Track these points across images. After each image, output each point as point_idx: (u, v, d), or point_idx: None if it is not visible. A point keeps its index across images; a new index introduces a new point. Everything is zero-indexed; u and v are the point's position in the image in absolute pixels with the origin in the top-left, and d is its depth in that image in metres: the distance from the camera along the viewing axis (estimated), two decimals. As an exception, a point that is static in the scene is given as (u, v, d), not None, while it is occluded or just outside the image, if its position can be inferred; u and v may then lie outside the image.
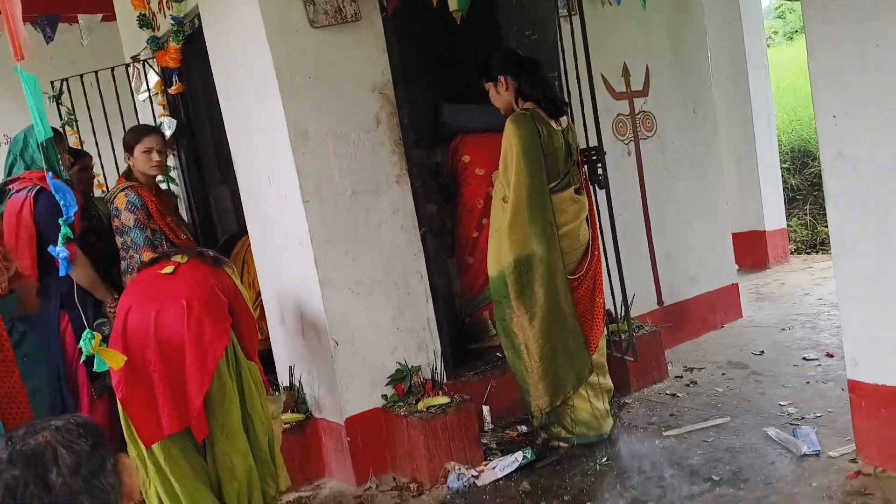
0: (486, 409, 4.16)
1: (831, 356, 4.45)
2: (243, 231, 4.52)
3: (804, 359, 4.52)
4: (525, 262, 3.57)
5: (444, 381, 3.98)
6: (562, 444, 3.78)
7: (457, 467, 3.61)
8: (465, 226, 4.48)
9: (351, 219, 3.76)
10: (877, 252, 2.86)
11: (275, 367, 4.24)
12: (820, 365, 4.38)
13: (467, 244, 4.48)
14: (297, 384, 4.02)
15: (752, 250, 7.13)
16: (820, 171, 9.23)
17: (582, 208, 3.77)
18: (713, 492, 3.09)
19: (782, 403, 3.89)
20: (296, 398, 4.00)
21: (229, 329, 3.06)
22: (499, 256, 3.61)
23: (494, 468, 3.64)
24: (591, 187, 3.92)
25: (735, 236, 5.86)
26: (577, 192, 3.76)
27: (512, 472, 3.57)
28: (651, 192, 5.07)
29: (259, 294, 4.38)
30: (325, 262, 3.68)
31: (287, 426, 3.83)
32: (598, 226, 3.90)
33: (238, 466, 3.07)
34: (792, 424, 3.58)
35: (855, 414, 3.06)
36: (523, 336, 3.64)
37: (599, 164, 3.92)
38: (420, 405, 3.72)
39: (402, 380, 3.87)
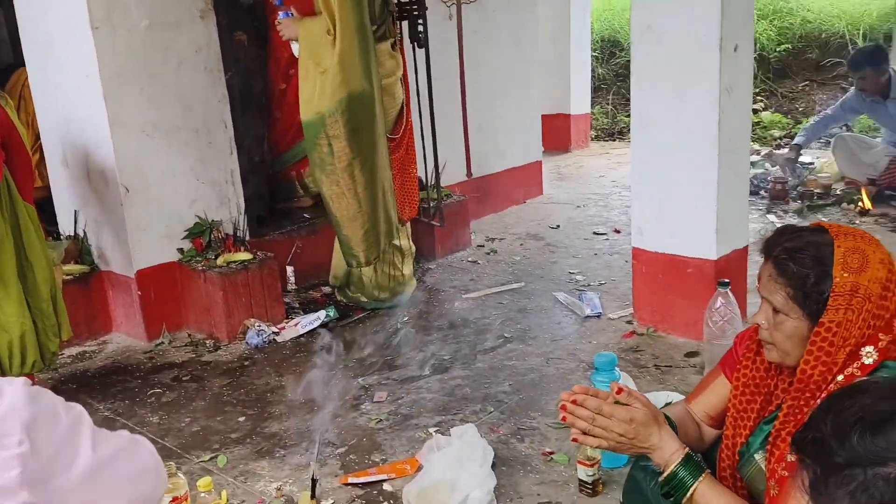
0: (290, 269, 4.08)
1: (618, 232, 4.77)
2: (20, 62, 3.97)
3: (594, 233, 4.82)
4: (357, 99, 3.34)
5: (247, 238, 3.82)
6: (363, 306, 3.79)
7: (256, 323, 3.54)
8: (271, 76, 4.20)
9: (147, 53, 3.40)
10: (673, 126, 3.03)
11: (55, 216, 3.86)
12: (608, 239, 4.69)
13: (273, 96, 4.22)
14: (81, 233, 3.70)
15: (556, 132, 7.39)
16: (627, 61, 9.61)
17: (398, 65, 3.65)
18: (505, 346, 3.26)
19: (572, 272, 4.14)
20: (80, 248, 3.69)
21: (2, 164, 2.71)
22: (322, 94, 3.31)
23: (296, 325, 3.60)
24: (404, 47, 3.80)
25: (542, 117, 6.01)
26: (393, 47, 3.63)
27: (314, 329, 3.55)
28: (469, 60, 5.03)
29: (39, 137, 3.92)
30: (116, 99, 3.33)
31: (69, 277, 3.54)
32: (409, 88, 3.82)
33: (11, 317, 2.79)
34: (579, 290, 3.83)
35: (636, 279, 3.31)
36: (352, 182, 3.41)
37: (421, 21, 3.80)
38: (219, 260, 3.56)
39: (202, 234, 3.67)
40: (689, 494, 1.52)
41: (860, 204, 4.78)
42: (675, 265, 3.15)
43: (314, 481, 2.20)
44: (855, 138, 5.47)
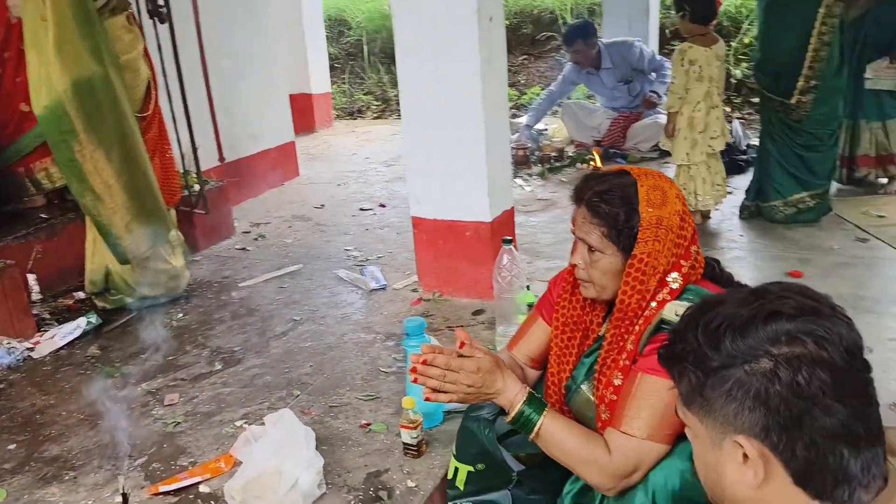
0: (31, 277, 3.62)
1: (383, 206, 4.85)
2: None
3: (360, 209, 4.85)
4: (86, 85, 3.08)
5: (-23, 246, 3.33)
6: (129, 308, 3.48)
7: (5, 341, 3.11)
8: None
9: None
10: (439, 96, 3.12)
11: None
12: (375, 214, 4.74)
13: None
14: None
15: (299, 113, 7.26)
16: (356, 40, 9.66)
17: (137, 38, 3.40)
18: (296, 329, 3.18)
19: (347, 248, 4.14)
20: None
21: None
22: (49, 86, 3.03)
23: (52, 337, 3.22)
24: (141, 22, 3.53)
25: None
26: (130, 20, 3.35)
27: (76, 340, 3.20)
28: (209, 39, 4.75)
29: None
30: None
31: None
32: (153, 64, 3.56)
33: None
34: (358, 266, 3.84)
35: (418, 248, 3.39)
36: (102, 175, 3.17)
37: (158, -6, 3.53)
38: (-52, 274, 3.07)
39: (-81, 247, 3.13)
40: (535, 429, 1.60)
41: (592, 163, 5.30)
42: (455, 230, 3.27)
43: (125, 496, 2.00)
44: (579, 105, 6.04)
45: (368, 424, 2.42)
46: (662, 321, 1.60)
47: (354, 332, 3.11)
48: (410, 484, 2.12)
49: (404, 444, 2.24)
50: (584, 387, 1.78)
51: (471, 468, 2.00)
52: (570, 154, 5.67)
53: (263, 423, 2.32)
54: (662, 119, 5.56)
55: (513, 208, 3.43)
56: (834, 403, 0.93)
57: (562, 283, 1.87)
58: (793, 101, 4.08)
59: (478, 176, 3.16)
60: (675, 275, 1.64)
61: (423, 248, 3.38)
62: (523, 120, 6.13)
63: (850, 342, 0.97)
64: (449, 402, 1.63)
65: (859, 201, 4.50)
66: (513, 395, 1.62)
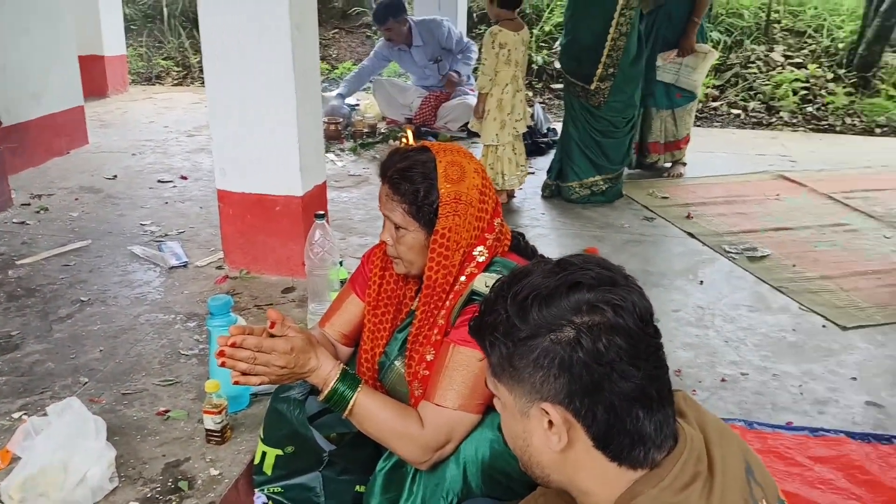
0: None
1: (185, 178, 4.57)
2: None
3: (159, 181, 4.54)
4: None
5: None
6: None
7: None
8: None
9: None
10: (248, 63, 2.97)
11: None
12: (175, 186, 4.46)
13: None
14: None
15: (90, 76, 6.67)
16: (155, 1, 9.06)
17: None
18: (84, 311, 2.92)
19: (144, 223, 3.86)
20: None
21: None
22: None
23: None
24: None
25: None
26: None
27: None
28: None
29: None
30: None
31: None
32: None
33: None
34: (156, 241, 3.60)
35: (224, 223, 3.22)
36: None
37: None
38: None
39: None
40: (349, 406, 1.56)
41: (404, 140, 5.31)
42: (264, 204, 3.14)
43: None
44: (391, 82, 6.03)
45: (167, 411, 2.27)
46: (473, 293, 1.61)
47: (151, 313, 2.90)
48: (213, 472, 2.01)
49: (207, 430, 2.12)
50: (397, 362, 1.76)
51: (280, 451, 1.93)
52: (383, 131, 5.65)
53: (46, 414, 2.10)
54: (471, 99, 5.70)
55: (325, 183, 3.35)
56: (630, 368, 0.98)
57: (374, 259, 1.84)
58: (592, 86, 4.30)
59: (289, 148, 3.05)
60: (480, 248, 1.66)
61: (229, 222, 3.21)
62: (334, 93, 6.03)
63: (643, 310, 1.02)
64: (260, 384, 1.54)
65: (646, 184, 4.86)
66: (326, 373, 1.57)
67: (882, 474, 2.11)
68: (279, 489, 1.98)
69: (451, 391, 1.55)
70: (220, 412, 2.10)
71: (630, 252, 3.82)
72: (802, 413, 2.44)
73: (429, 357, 1.64)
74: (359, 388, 1.58)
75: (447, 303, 1.64)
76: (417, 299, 1.81)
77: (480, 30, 7.99)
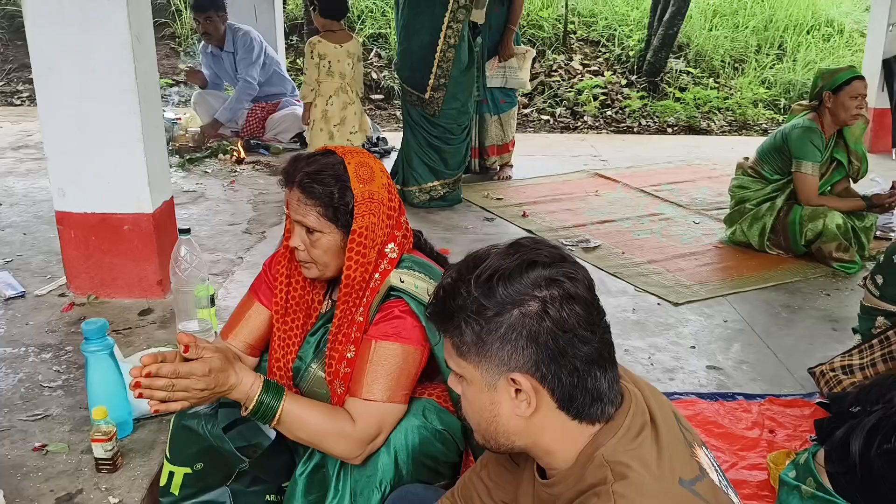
0: None
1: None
2: None
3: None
4: None
5: None
6: None
7: None
8: None
9: None
10: (84, 76, 2.82)
11: None
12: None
13: None
14: None
15: None
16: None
17: None
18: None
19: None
20: None
21: None
22: None
23: None
24: None
25: None
26: None
27: None
28: None
29: None
30: None
31: None
32: None
33: None
34: (-17, 272, 3.29)
35: (64, 246, 3.02)
36: None
37: None
38: None
39: None
40: (276, 416, 1.56)
41: (236, 154, 5.20)
42: (110, 224, 2.98)
43: None
44: (213, 94, 5.84)
45: (44, 446, 2.11)
46: (392, 289, 1.67)
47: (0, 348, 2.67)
48: (113, 500, 1.91)
49: (97, 459, 2.00)
50: (314, 366, 1.78)
51: (188, 469, 1.88)
52: (211, 145, 5.48)
53: None
54: (299, 110, 5.68)
55: (172, 198, 3.24)
56: (588, 333, 1.10)
57: (277, 266, 1.84)
58: (426, 95, 4.47)
59: (135, 163, 2.91)
60: (391, 245, 1.72)
61: (71, 246, 3.02)
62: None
63: (589, 280, 1.14)
64: (180, 409, 1.50)
65: (480, 187, 5.11)
66: (248, 388, 1.55)
67: (733, 426, 2.40)
68: (187, 508, 1.93)
69: (377, 385, 1.60)
70: (110, 439, 2.00)
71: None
72: (655, 381, 2.72)
73: (349, 354, 1.68)
74: (284, 397, 1.58)
75: (364, 300, 1.69)
76: (327, 302, 1.85)
77: (292, 41, 7.94)
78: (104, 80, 2.83)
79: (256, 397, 1.56)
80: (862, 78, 3.69)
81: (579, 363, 1.09)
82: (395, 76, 4.63)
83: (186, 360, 1.51)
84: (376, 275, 1.70)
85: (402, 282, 1.68)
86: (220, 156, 5.27)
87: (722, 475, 1.19)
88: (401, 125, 5.06)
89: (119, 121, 2.88)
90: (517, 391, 1.11)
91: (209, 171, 5.05)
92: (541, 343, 1.08)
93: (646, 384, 1.25)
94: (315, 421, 1.59)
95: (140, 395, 1.47)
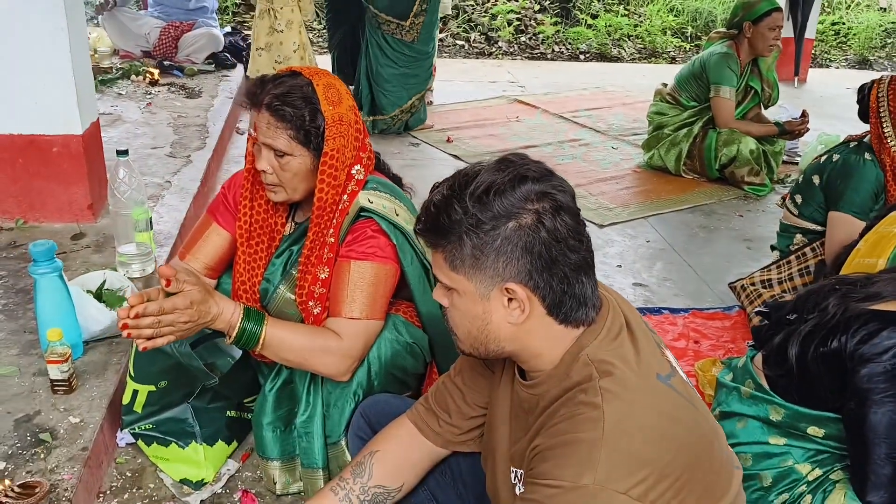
0: None
1: None
2: None
3: None
4: None
5: None
6: None
7: None
8: None
9: None
10: (6, -9, 2.67)
11: None
12: None
13: None
14: None
15: None
16: None
17: None
18: None
19: None
20: None
21: None
22: None
23: None
24: None
25: None
26: None
27: None
28: None
29: None
30: None
31: None
32: None
33: None
34: None
35: (-4, 169, 2.90)
36: None
37: None
38: None
39: None
40: (260, 341, 1.59)
41: (149, 76, 4.99)
42: (38, 146, 2.86)
43: None
44: (122, 11, 5.54)
45: (-6, 370, 2.09)
46: (362, 209, 1.72)
47: (-74, 275, 2.57)
48: (74, 420, 1.92)
49: (53, 380, 2.00)
50: (282, 287, 1.81)
51: (152, 387, 1.92)
52: (121, 66, 5.23)
53: None
54: (216, 30, 5.50)
55: (99, 119, 3.13)
56: (576, 242, 1.18)
57: (237, 189, 1.84)
58: (407, 22, 4.56)
59: (64, 82, 2.79)
60: (358, 167, 1.75)
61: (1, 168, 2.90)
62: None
63: (572, 192, 1.22)
64: (166, 344, 1.51)
65: (404, 113, 5.13)
66: (229, 317, 1.57)
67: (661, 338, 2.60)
68: (150, 425, 1.97)
69: (357, 303, 1.65)
70: (66, 360, 1.99)
71: (409, 175, 3.91)
72: (587, 297, 2.89)
73: (322, 275, 1.72)
74: (265, 322, 1.60)
75: (334, 221, 1.73)
76: (290, 224, 1.87)
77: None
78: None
79: (239, 325, 1.57)
80: (780, 9, 3.88)
81: (569, 271, 1.17)
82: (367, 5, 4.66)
83: (168, 294, 1.50)
84: (345, 196, 1.73)
85: (371, 202, 1.72)
86: (133, 77, 5.05)
87: (683, 374, 1.32)
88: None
89: (46, 40, 2.74)
90: (510, 300, 1.18)
91: (123, 92, 4.84)
92: (535, 253, 1.15)
93: (614, 291, 1.36)
94: (300, 341, 1.62)
95: (129, 336, 1.47)
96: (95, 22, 5.74)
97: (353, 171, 1.74)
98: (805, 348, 1.63)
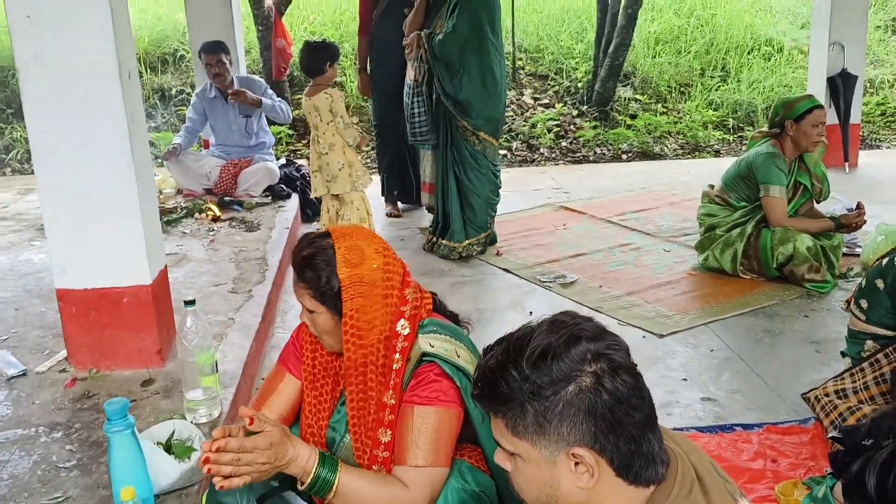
0: None
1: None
2: None
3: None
4: None
5: None
6: None
7: None
8: None
9: None
10: (81, 156, 2.86)
11: None
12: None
13: None
14: None
15: None
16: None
17: None
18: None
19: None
20: None
21: None
22: None
23: None
24: None
25: None
26: None
27: None
28: None
29: None
30: None
31: None
32: None
33: None
34: (-25, 354, 3.27)
35: (66, 323, 3.03)
36: None
37: None
38: None
39: None
40: (333, 489, 1.62)
41: (210, 213, 5.22)
42: (110, 298, 3.01)
43: None
44: (187, 154, 5.84)
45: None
46: (425, 354, 1.75)
47: (8, 430, 2.66)
48: (151, 580, 1.95)
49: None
50: (348, 437, 1.84)
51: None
52: (184, 205, 5.49)
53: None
54: (271, 164, 5.76)
55: (167, 266, 3.28)
56: (638, 400, 1.19)
57: (303, 335, 1.91)
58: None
59: (133, 236, 2.95)
60: (402, 322, 1.77)
61: (72, 322, 3.03)
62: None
63: (626, 348, 1.24)
64: (243, 485, 1.55)
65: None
66: (305, 461, 1.60)
67: (736, 459, 2.50)
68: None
69: (422, 450, 1.67)
70: None
71: (460, 293, 4.11)
72: (654, 415, 2.83)
73: (385, 439, 1.73)
74: (339, 469, 1.63)
75: (391, 383, 1.75)
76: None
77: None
78: (101, 160, 2.86)
79: (314, 470, 1.60)
80: (822, 106, 3.91)
81: (634, 430, 1.17)
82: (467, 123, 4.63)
83: (249, 433, 1.56)
84: (396, 355, 1.76)
85: (433, 346, 1.76)
86: (197, 215, 5.29)
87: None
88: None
89: (117, 197, 2.91)
90: (577, 464, 1.17)
91: (187, 231, 5.06)
92: (598, 416, 1.15)
93: (681, 437, 1.34)
94: (370, 491, 1.64)
95: (208, 472, 1.52)
96: (160, 162, 6.06)
97: (398, 328, 1.77)
98: (883, 479, 1.57)
